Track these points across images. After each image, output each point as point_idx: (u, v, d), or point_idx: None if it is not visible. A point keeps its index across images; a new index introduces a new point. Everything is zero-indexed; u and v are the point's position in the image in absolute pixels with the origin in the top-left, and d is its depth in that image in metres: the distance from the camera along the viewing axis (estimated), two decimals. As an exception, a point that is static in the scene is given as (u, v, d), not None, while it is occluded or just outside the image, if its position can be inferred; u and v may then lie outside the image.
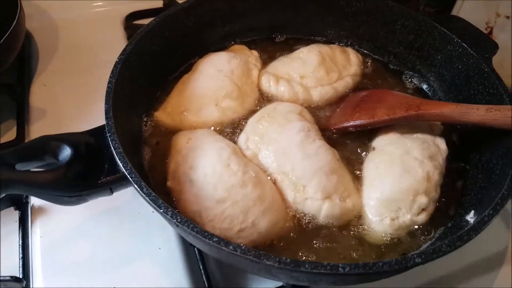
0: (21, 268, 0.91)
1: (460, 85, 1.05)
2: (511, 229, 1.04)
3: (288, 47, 1.25)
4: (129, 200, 1.00)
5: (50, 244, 0.95)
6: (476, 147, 0.96)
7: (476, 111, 0.85)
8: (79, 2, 1.55)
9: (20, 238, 0.96)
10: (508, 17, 1.17)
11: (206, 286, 0.89)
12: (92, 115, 1.16)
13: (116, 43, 1.40)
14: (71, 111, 1.21)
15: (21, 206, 1.00)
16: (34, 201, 1.00)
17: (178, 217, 0.68)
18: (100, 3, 1.57)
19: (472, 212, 0.84)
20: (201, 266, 0.91)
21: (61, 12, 1.50)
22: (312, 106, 1.09)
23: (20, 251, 0.94)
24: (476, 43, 1.02)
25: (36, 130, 1.15)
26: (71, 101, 1.24)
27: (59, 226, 0.97)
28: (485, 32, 1.23)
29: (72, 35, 1.45)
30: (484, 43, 1.02)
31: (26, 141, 1.12)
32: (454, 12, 1.31)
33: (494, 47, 1.00)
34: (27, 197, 1.00)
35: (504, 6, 1.17)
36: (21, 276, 0.90)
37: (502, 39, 1.19)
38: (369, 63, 1.23)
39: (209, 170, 0.86)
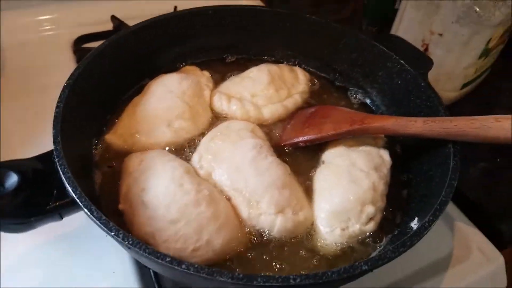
0: (-34, 302, 0.87)
1: (400, 99, 1.11)
2: (454, 234, 1.09)
3: (239, 67, 1.28)
4: (81, 225, 0.98)
5: (1, 273, 0.91)
6: (418, 157, 1.01)
7: (415, 123, 0.90)
8: (26, 25, 1.51)
9: (-35, 270, 0.92)
10: (440, 35, 1.25)
11: (163, 308, 0.88)
12: (41, 139, 1.11)
13: (65, 67, 1.34)
14: (20, 136, 1.18)
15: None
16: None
17: (130, 239, 0.67)
18: (48, 27, 1.54)
19: (416, 219, 0.88)
20: (156, 288, 0.90)
21: (7, 36, 1.46)
22: (264, 123, 1.12)
23: (-35, 283, 0.90)
24: (413, 60, 1.08)
25: (-18, 158, 1.11)
26: (20, 126, 1.21)
27: (7, 253, 0.94)
28: (422, 48, 1.31)
29: (19, 59, 1.41)
30: (420, 60, 1.08)
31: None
32: (393, 30, 1.39)
33: (430, 63, 1.07)
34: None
35: (436, 24, 1.25)
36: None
37: (437, 55, 1.26)
38: (316, 81, 1.27)
39: (161, 190, 0.86)
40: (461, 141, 0.88)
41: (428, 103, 1.01)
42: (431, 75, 1.07)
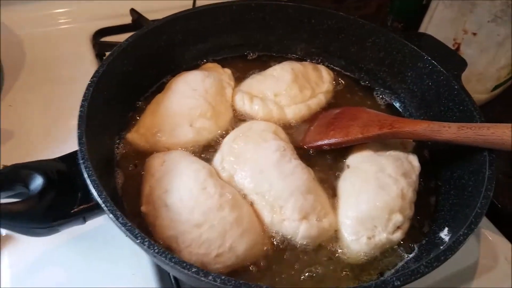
0: (-10, 300, 0.87)
1: (430, 101, 1.07)
2: (480, 243, 1.06)
3: (261, 64, 1.25)
4: (100, 225, 0.96)
5: (20, 273, 0.90)
6: (448, 163, 0.98)
7: (448, 129, 0.87)
8: (45, 18, 1.50)
9: (-12, 269, 0.91)
10: (475, 34, 1.21)
11: (183, 312, 0.87)
12: (62, 135, 1.13)
13: (84, 60, 1.37)
14: (40, 131, 1.17)
15: (-12, 235, 0.95)
16: (2, 229, 0.95)
17: (156, 248, 0.66)
18: (67, 20, 1.53)
19: (446, 229, 0.86)
20: (176, 291, 0.89)
21: (27, 29, 1.45)
22: (286, 124, 1.09)
23: (-11, 282, 0.89)
24: (446, 60, 1.04)
25: (4, 153, 1.10)
26: (39, 121, 1.20)
27: (28, 254, 0.93)
28: (453, 48, 1.27)
29: (38, 52, 1.40)
30: (453, 60, 1.05)
31: (-7, 165, 1.07)
32: (422, 28, 1.34)
33: (463, 64, 1.03)
34: (-6, 226, 0.96)
35: (471, 22, 1.20)
36: (-10, 309, 0.85)
37: (469, 55, 1.22)
38: (340, 80, 1.24)
39: (185, 193, 0.85)
40: (498, 149, 0.84)
41: (461, 107, 0.97)
42: (462, 76, 1.03)
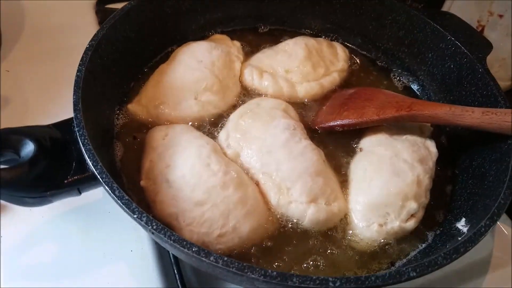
0: (-22, 273, 0.83)
1: (451, 85, 1.01)
2: (495, 235, 1.01)
3: (272, 38, 1.19)
4: (98, 198, 0.93)
5: (12, 246, 0.87)
6: (466, 150, 0.93)
7: (472, 114, 0.81)
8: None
9: (-23, 240, 0.87)
10: (501, 16, 1.14)
11: (180, 289, 0.83)
12: (60, 103, 1.07)
13: (86, 28, 1.32)
14: (38, 99, 1.12)
15: (-22, 203, 0.91)
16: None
17: (154, 224, 0.62)
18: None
19: (464, 219, 0.81)
20: (175, 269, 0.85)
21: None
22: (297, 102, 1.04)
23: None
24: (470, 42, 0.99)
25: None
26: (37, 88, 1.15)
27: (21, 225, 0.90)
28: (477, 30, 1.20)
29: (39, 18, 1.35)
30: (478, 42, 0.99)
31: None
32: (445, 8, 1.28)
33: (489, 47, 0.98)
34: (-16, 194, 0.91)
35: (497, 4, 1.14)
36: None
37: (493, 39, 1.15)
38: (356, 59, 1.18)
39: (187, 169, 0.81)
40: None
41: (485, 92, 0.92)
42: (485, 60, 0.98)
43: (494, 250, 1.00)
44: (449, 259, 0.64)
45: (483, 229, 0.68)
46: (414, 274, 0.61)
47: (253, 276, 0.58)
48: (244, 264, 0.59)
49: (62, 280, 0.83)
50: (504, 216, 1.04)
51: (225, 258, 0.59)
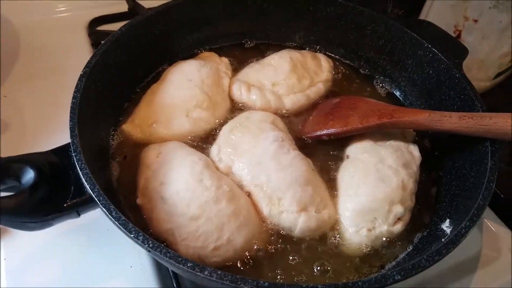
0: (-17, 294, 0.86)
1: (431, 90, 1.05)
2: (483, 233, 1.05)
3: (258, 52, 1.23)
4: (96, 217, 0.94)
5: (15, 267, 0.89)
6: (449, 153, 0.97)
7: (449, 119, 0.85)
8: (41, 6, 1.47)
9: (-18, 262, 0.90)
10: (476, 21, 1.18)
11: (181, 304, 0.85)
12: (57, 125, 1.11)
13: (79, 49, 1.35)
14: (35, 123, 1.15)
15: (-19, 228, 0.94)
16: (-3, 222, 0.94)
17: (150, 242, 0.65)
18: (63, 8, 1.50)
19: (448, 220, 0.84)
20: (174, 283, 0.88)
21: (22, 17, 1.43)
22: (285, 114, 1.07)
23: (-18, 276, 0.88)
24: (446, 48, 1.02)
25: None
26: (35, 112, 1.18)
27: (23, 247, 0.92)
28: (454, 35, 1.24)
29: (33, 41, 1.38)
30: (454, 48, 1.02)
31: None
32: (423, 15, 1.32)
33: (464, 52, 1.01)
34: (-14, 219, 0.94)
35: (472, 9, 1.18)
36: (-17, 303, 0.84)
37: (470, 43, 1.20)
38: (340, 69, 1.21)
39: (181, 186, 0.83)
40: (500, 139, 0.82)
41: (463, 96, 0.95)
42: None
43: (483, 248, 1.03)
44: (432, 261, 0.67)
45: (463, 230, 0.71)
46: (399, 277, 0.64)
47: (245, 287, 0.61)
48: (237, 276, 0.61)
49: (65, 298, 0.86)
50: (492, 214, 1.08)
51: (219, 272, 0.62)
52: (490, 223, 1.06)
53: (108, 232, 0.95)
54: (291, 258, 0.83)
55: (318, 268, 0.82)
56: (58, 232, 0.93)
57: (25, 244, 0.92)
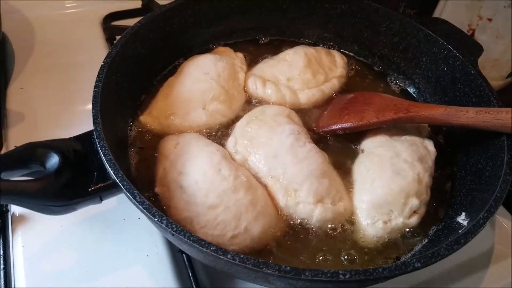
0: (2, 280, 0.87)
1: (445, 87, 1.06)
2: (495, 229, 1.05)
3: (273, 48, 1.24)
4: (113, 206, 0.97)
5: (33, 254, 0.90)
6: (463, 149, 0.97)
7: (466, 113, 0.86)
8: (55, 1, 1.49)
9: (1, 249, 0.91)
10: (490, 20, 1.19)
11: (195, 291, 0.86)
12: (72, 117, 1.13)
13: (94, 43, 1.37)
14: (50, 114, 1.16)
15: (1, 215, 0.95)
16: (15, 209, 0.95)
17: (174, 226, 0.66)
18: (77, 3, 1.51)
19: (463, 214, 0.85)
20: (189, 272, 0.89)
21: (36, 11, 1.44)
22: (299, 109, 1.08)
23: (1, 261, 0.90)
24: (461, 45, 1.03)
25: (15, 135, 1.09)
26: (50, 103, 1.19)
27: (41, 234, 0.93)
28: (468, 34, 1.25)
29: (48, 35, 1.39)
30: (469, 46, 1.03)
31: (3, 147, 1.07)
32: (437, 13, 1.33)
33: (479, 49, 1.02)
34: (7, 205, 0.96)
35: (486, 8, 1.19)
36: (3, 288, 0.85)
37: (484, 42, 1.20)
38: (354, 65, 1.22)
39: (200, 175, 0.85)
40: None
41: (478, 92, 0.96)
42: (476, 62, 1.02)
43: (495, 244, 1.03)
44: (451, 249, 0.68)
45: (481, 221, 0.72)
46: (419, 265, 0.65)
47: (268, 271, 0.62)
48: (260, 260, 0.62)
49: (82, 283, 0.87)
50: (504, 211, 1.08)
51: (242, 256, 0.63)
52: (502, 219, 1.07)
53: (124, 222, 0.96)
54: (307, 247, 0.84)
55: (333, 258, 0.83)
56: (75, 221, 0.95)
57: (43, 232, 0.93)
